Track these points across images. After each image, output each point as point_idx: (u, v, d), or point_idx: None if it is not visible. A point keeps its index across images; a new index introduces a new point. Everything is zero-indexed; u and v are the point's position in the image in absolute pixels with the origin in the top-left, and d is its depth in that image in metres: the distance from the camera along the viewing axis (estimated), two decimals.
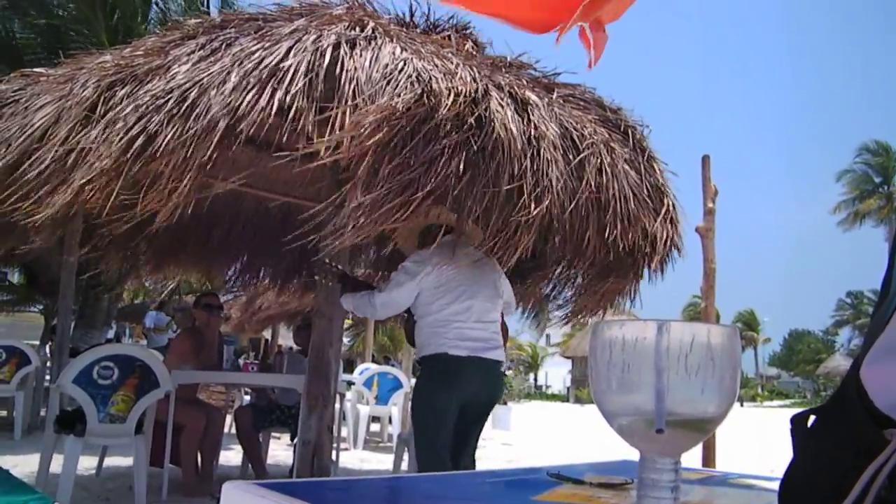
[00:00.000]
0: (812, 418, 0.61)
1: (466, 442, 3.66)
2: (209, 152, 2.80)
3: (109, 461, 5.42)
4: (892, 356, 0.54)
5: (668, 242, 3.62)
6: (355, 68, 3.01)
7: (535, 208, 2.90)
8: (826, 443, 0.58)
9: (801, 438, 0.62)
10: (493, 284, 3.69)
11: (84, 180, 2.89)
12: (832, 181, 45.51)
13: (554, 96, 3.68)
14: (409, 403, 4.13)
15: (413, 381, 10.33)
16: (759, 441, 11.42)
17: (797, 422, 0.62)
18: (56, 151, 3.06)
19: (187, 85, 3.00)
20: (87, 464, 5.13)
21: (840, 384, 0.60)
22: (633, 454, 0.67)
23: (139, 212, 2.98)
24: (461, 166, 2.79)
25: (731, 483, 1.20)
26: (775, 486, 0.63)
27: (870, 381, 0.55)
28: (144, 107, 2.94)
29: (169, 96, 2.95)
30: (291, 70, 2.99)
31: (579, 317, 4.58)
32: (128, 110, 2.97)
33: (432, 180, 2.74)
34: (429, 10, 4.08)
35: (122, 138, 2.86)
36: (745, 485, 1.19)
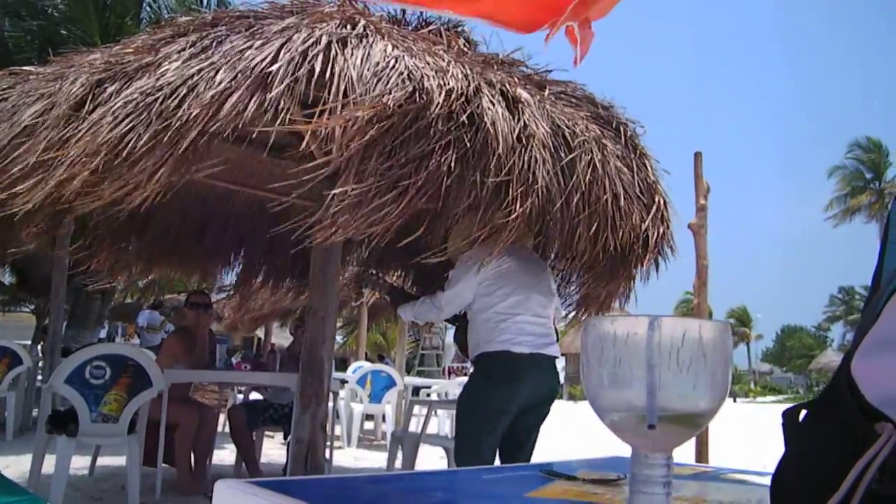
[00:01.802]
0: (803, 413, 0.61)
1: (523, 443, 3.58)
2: (192, 145, 2.79)
3: (102, 461, 5.41)
4: (883, 350, 0.54)
5: (660, 240, 3.62)
6: (346, 66, 3.00)
7: (518, 206, 2.90)
8: (817, 437, 0.59)
9: (793, 433, 0.62)
10: (548, 281, 3.69)
11: (66, 175, 2.87)
12: (824, 178, 45.83)
13: (546, 93, 3.68)
14: (404, 403, 4.13)
15: (407, 379, 10.36)
16: (751, 436, 11.46)
17: (789, 416, 0.62)
18: (41, 145, 3.05)
19: (177, 82, 2.98)
20: (79, 464, 5.12)
21: (831, 379, 0.60)
22: (626, 450, 0.67)
23: (118, 196, 2.95)
24: (452, 164, 2.79)
25: (724, 478, 1.21)
26: (767, 480, 0.63)
27: (860, 374, 0.55)
28: (133, 103, 2.93)
29: (159, 93, 2.94)
30: (282, 68, 2.98)
31: (578, 316, 4.58)
32: (116, 106, 2.95)
33: (423, 177, 2.74)
34: None
35: (108, 133, 2.85)
36: (738, 480, 1.19)
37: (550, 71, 4.01)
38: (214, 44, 3.30)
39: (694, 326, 0.62)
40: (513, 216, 2.92)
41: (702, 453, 4.41)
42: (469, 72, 3.19)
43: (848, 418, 0.55)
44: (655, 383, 0.61)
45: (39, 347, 10.65)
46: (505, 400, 3.38)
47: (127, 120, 2.87)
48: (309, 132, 2.86)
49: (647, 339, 0.61)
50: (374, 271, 3.88)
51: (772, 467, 0.63)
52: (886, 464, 0.50)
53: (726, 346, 0.64)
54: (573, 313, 4.47)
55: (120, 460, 4.77)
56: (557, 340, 3.68)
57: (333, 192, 2.82)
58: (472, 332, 3.56)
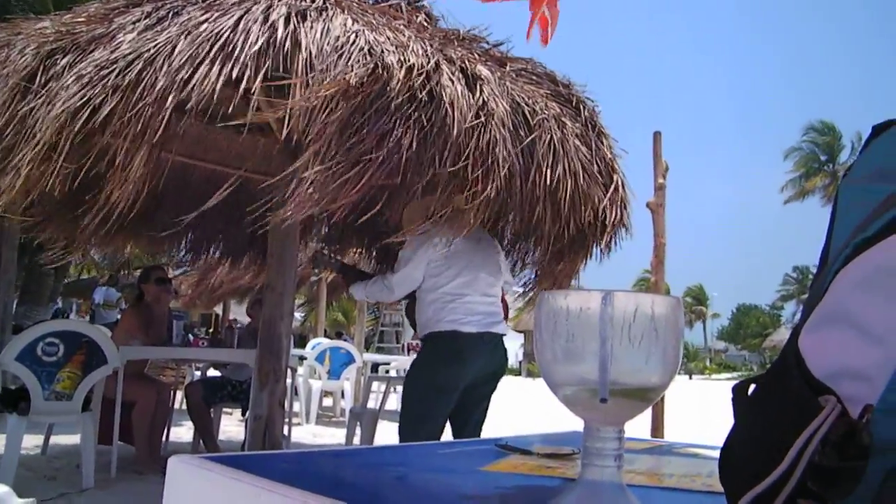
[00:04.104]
0: (752, 387, 0.63)
1: (472, 417, 3.63)
2: (158, 130, 2.73)
3: (55, 439, 5.33)
4: (829, 325, 0.55)
5: (618, 220, 3.65)
6: (306, 40, 2.96)
7: (479, 188, 2.90)
8: (764, 410, 0.60)
9: (742, 407, 0.63)
10: (496, 260, 3.70)
11: (30, 167, 2.79)
12: (780, 159, 46.58)
13: (506, 70, 3.67)
14: (363, 379, 4.14)
15: (365, 356, 10.35)
16: (705, 412, 11.70)
17: (738, 390, 0.63)
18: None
19: (132, 56, 2.91)
20: (32, 443, 5.04)
21: (780, 354, 0.61)
22: (581, 426, 0.67)
23: (96, 197, 2.90)
24: (412, 141, 2.77)
25: (676, 452, 1.23)
26: (718, 454, 0.64)
27: (807, 349, 0.56)
28: (88, 77, 2.85)
29: (114, 66, 2.86)
30: (241, 42, 2.93)
31: (534, 294, 4.61)
32: (70, 81, 2.87)
33: (383, 154, 2.72)
34: None
35: (65, 111, 2.77)
36: (690, 454, 1.21)
37: (511, 47, 4.00)
38: (171, 14, 3.23)
39: (646, 301, 0.63)
40: (476, 199, 2.92)
41: (657, 429, 4.49)
42: (429, 48, 3.17)
43: (794, 392, 0.56)
44: (607, 357, 0.61)
45: None
46: (452, 378, 3.42)
47: (82, 96, 2.79)
48: (275, 120, 2.82)
49: (600, 313, 0.62)
50: (325, 250, 3.84)
51: (722, 441, 0.64)
52: (829, 436, 0.51)
53: (678, 321, 0.64)
54: (531, 292, 4.50)
55: (74, 438, 4.71)
56: (507, 315, 3.72)
57: (296, 170, 2.79)
58: (419, 311, 3.58)
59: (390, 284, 3.57)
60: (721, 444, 0.64)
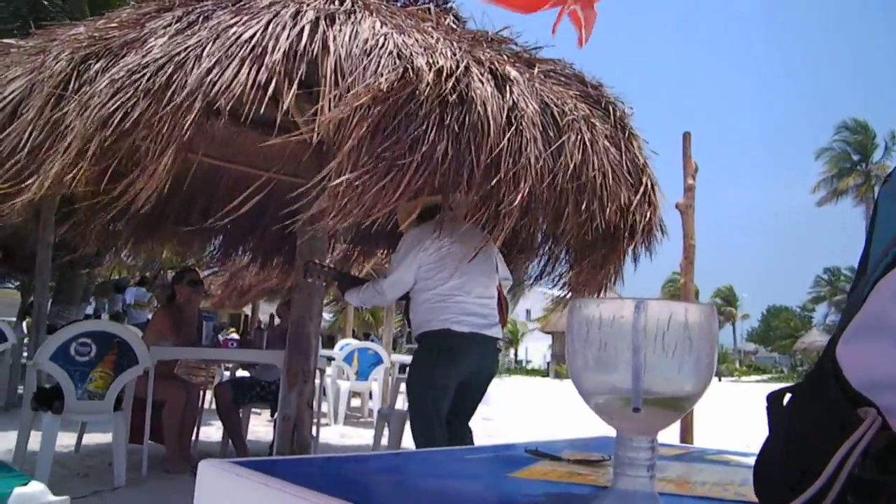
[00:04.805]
0: (788, 396, 0.61)
1: (463, 418, 3.69)
2: (187, 130, 2.76)
3: (88, 438, 5.40)
4: (868, 335, 0.54)
5: (648, 221, 3.63)
6: (335, 44, 2.97)
7: (514, 190, 2.89)
8: (801, 421, 0.59)
9: (777, 416, 0.62)
10: (491, 261, 3.71)
11: (62, 166, 2.84)
12: (812, 159, 45.99)
13: (535, 71, 3.66)
14: (391, 379, 4.16)
15: (393, 357, 10.37)
16: (736, 416, 11.57)
17: (773, 400, 0.62)
18: (30, 130, 3.00)
19: (163, 60, 2.95)
20: (65, 441, 5.11)
21: (816, 363, 0.60)
22: (611, 430, 0.67)
23: (122, 196, 2.94)
24: (444, 145, 2.77)
25: (708, 459, 1.21)
26: (751, 461, 0.63)
27: (845, 359, 0.55)
28: (120, 82, 2.89)
29: (145, 71, 2.90)
30: (270, 45, 2.96)
31: (566, 296, 4.59)
32: (103, 86, 2.91)
33: (417, 159, 2.73)
34: None
35: (97, 116, 2.81)
36: (722, 461, 1.20)
37: (540, 49, 3.99)
38: (201, 19, 3.26)
39: (680, 309, 0.62)
40: (512, 202, 2.91)
41: (687, 432, 4.45)
42: (458, 50, 3.17)
43: (832, 403, 0.55)
44: (640, 366, 0.61)
45: (24, 324, 10.59)
46: (447, 376, 3.48)
47: (115, 100, 2.83)
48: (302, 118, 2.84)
49: (633, 321, 0.61)
50: (317, 260, 3.85)
51: (755, 447, 0.63)
52: (869, 448, 0.50)
53: (712, 329, 0.63)
54: (562, 294, 4.49)
55: (106, 437, 4.77)
56: (506, 311, 3.76)
57: (327, 178, 2.80)
58: (413, 311, 3.62)
59: (381, 289, 3.61)
60: (752, 449, 0.63)
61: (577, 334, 0.64)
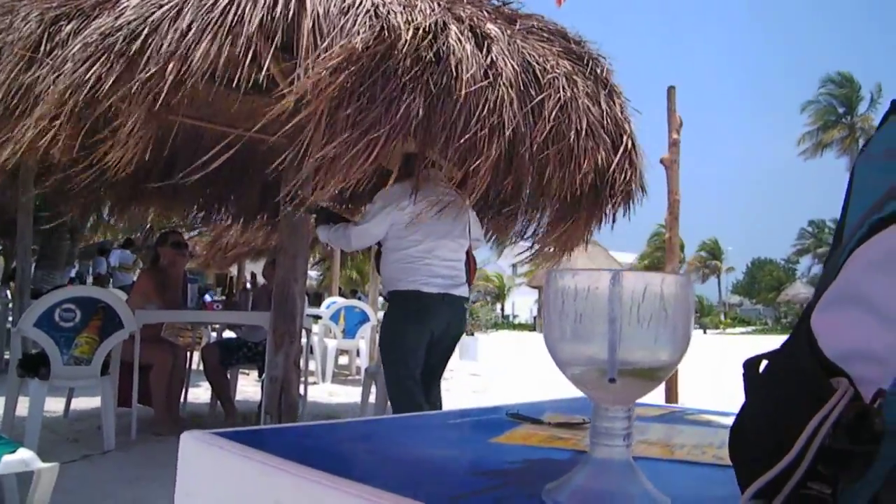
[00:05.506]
0: (764, 363, 0.62)
1: (434, 375, 3.78)
2: (164, 95, 2.71)
3: (77, 403, 5.41)
4: (842, 305, 0.54)
5: (628, 181, 3.62)
6: (312, 3, 2.91)
7: (489, 150, 2.88)
8: (775, 390, 0.59)
9: (753, 383, 0.62)
10: (463, 226, 3.73)
11: (35, 132, 2.79)
12: (796, 112, 46.00)
13: (517, 27, 3.61)
14: (377, 337, 4.18)
15: (380, 314, 10.41)
16: (719, 368, 11.73)
17: (749, 367, 0.62)
18: (1, 95, 2.94)
19: (137, 22, 2.88)
20: (54, 406, 5.12)
21: (792, 331, 0.60)
22: None
23: (100, 161, 2.89)
24: (420, 105, 2.74)
25: (689, 419, 1.23)
26: (731, 421, 0.64)
27: (819, 328, 0.55)
28: (94, 46, 2.83)
29: (119, 34, 2.84)
30: (248, 6, 2.90)
31: (547, 252, 4.59)
32: (76, 50, 2.85)
33: (392, 120, 2.70)
34: None
35: (72, 82, 2.75)
36: (703, 421, 1.21)
37: (519, 4, 3.93)
38: None
39: (655, 280, 0.62)
40: (481, 162, 2.89)
41: (671, 390, 4.50)
42: (437, 6, 3.11)
43: (806, 371, 0.55)
44: (616, 338, 0.60)
45: (8, 290, 10.52)
46: (418, 336, 3.57)
47: (87, 64, 2.77)
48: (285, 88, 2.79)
49: (609, 293, 0.61)
50: (299, 192, 3.85)
51: (738, 402, 0.64)
52: (841, 419, 0.50)
53: (688, 300, 0.63)
54: (549, 252, 4.50)
55: (95, 402, 4.78)
56: (474, 270, 3.85)
57: (301, 143, 2.77)
58: (384, 264, 3.68)
59: (349, 235, 3.65)
60: (735, 404, 0.64)
61: (552, 305, 0.64)
